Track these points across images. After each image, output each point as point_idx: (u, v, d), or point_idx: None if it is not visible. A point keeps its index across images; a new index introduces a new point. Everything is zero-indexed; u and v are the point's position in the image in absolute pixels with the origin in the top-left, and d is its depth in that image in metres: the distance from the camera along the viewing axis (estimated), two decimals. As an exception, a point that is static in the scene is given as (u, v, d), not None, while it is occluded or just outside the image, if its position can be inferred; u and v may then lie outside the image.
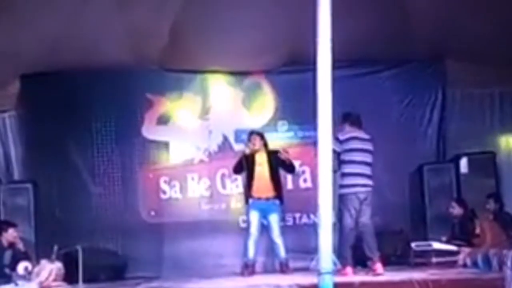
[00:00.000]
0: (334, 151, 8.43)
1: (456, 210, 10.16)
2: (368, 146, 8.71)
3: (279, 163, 9.76)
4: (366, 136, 8.80)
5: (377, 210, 11.11)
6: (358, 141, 8.66)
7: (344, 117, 8.83)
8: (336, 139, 8.50)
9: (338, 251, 8.58)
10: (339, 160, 8.56)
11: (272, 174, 9.67)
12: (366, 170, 8.63)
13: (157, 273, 10.81)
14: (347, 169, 8.59)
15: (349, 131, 8.74)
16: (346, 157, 8.59)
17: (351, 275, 8.37)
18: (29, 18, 9.14)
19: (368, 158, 8.65)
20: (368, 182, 8.62)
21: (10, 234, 9.13)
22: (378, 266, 8.46)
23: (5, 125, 11.47)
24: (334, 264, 7.09)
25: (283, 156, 9.66)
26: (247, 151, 9.75)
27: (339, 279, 6.82)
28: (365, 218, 8.62)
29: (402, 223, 11.03)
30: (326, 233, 5.62)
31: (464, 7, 9.45)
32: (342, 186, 8.57)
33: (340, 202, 8.60)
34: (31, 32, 9.46)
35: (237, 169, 9.99)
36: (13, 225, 9.30)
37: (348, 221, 8.56)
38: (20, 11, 8.93)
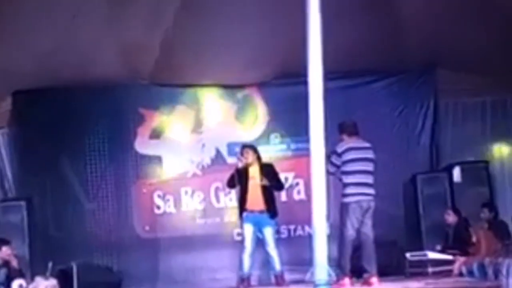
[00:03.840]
0: (334, 165, 8.55)
1: (452, 217, 10.17)
2: (368, 154, 8.66)
3: (271, 177, 9.73)
4: (366, 145, 8.75)
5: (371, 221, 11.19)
6: (357, 151, 8.63)
7: (341, 128, 8.79)
8: (334, 152, 8.54)
9: (338, 261, 8.55)
10: (341, 171, 8.55)
11: (265, 187, 9.65)
12: (368, 179, 8.57)
13: (152, 288, 10.81)
14: (349, 179, 8.55)
15: (347, 142, 8.72)
16: (346, 167, 8.55)
17: (348, 286, 8.34)
18: (21, 34, 9.16)
19: (369, 167, 8.60)
20: (371, 191, 8.56)
21: (4, 252, 9.09)
22: (374, 280, 8.41)
23: (-1, 142, 11.47)
24: (330, 275, 7.06)
25: (262, 182, 9.60)
26: (240, 165, 9.74)
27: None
28: (367, 229, 8.57)
29: (396, 233, 11.02)
30: (321, 245, 5.63)
31: (455, 17, 9.50)
32: (344, 195, 8.54)
33: (343, 211, 8.55)
34: (23, 49, 9.48)
35: (230, 184, 9.98)
36: (6, 242, 9.26)
37: (350, 231, 8.51)
38: (12, 27, 8.95)
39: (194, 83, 11.53)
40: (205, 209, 11.51)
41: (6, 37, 9.05)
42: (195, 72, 11.01)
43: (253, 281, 10.09)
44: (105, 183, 11.40)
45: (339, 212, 8.61)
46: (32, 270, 9.82)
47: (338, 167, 8.57)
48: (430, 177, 11.15)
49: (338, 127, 8.70)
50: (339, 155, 8.57)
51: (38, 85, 10.89)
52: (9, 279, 8.75)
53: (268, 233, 9.54)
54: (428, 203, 10.93)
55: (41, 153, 11.15)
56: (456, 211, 10.26)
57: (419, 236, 10.87)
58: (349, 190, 8.53)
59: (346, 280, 8.43)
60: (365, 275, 8.60)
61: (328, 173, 8.62)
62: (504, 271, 7.38)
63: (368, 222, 8.57)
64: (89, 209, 11.35)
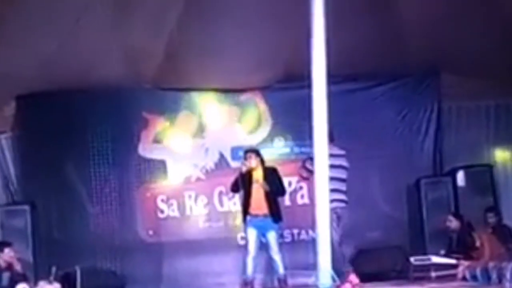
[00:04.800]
0: (309, 170, 8.55)
1: (453, 223, 10.16)
2: (342, 162, 8.68)
3: (275, 181, 9.72)
4: (340, 152, 8.79)
5: (376, 225, 11.20)
6: (331, 158, 8.68)
7: None
8: (309, 158, 8.54)
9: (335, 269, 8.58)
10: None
11: (269, 191, 9.64)
12: (341, 186, 8.60)
13: (156, 293, 10.82)
14: None
15: None
16: None
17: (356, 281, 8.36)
18: (25, 38, 9.17)
19: (342, 174, 8.62)
20: (344, 197, 8.61)
21: (7, 254, 9.08)
22: (353, 277, 8.44)
23: (2, 147, 11.47)
24: (333, 280, 7.06)
25: (262, 187, 9.61)
26: (244, 169, 9.74)
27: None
28: (338, 236, 8.59)
29: (400, 237, 11.03)
30: (324, 249, 5.63)
31: (458, 21, 9.50)
32: None
33: None
34: (27, 53, 9.48)
35: (234, 188, 9.98)
36: (8, 244, 9.26)
37: (334, 236, 8.56)
38: (16, 31, 8.95)
39: (197, 87, 11.54)
40: (209, 213, 11.51)
41: (10, 41, 9.06)
42: (198, 76, 11.01)
43: (257, 285, 10.07)
44: (108, 187, 11.40)
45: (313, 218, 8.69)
46: (36, 274, 9.83)
47: (312, 172, 8.64)
48: (433, 181, 11.15)
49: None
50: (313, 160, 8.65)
51: (41, 89, 10.89)
52: (12, 283, 8.75)
53: (272, 237, 9.53)
54: (431, 207, 10.93)
55: (45, 157, 11.15)
56: (457, 216, 10.25)
57: (423, 240, 10.87)
58: None
59: (353, 277, 8.44)
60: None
61: (302, 178, 8.74)
62: (508, 275, 7.39)
63: (339, 229, 8.59)
64: (93, 213, 11.34)
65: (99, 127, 11.37)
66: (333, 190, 8.49)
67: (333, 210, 8.46)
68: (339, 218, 8.55)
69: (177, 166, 11.65)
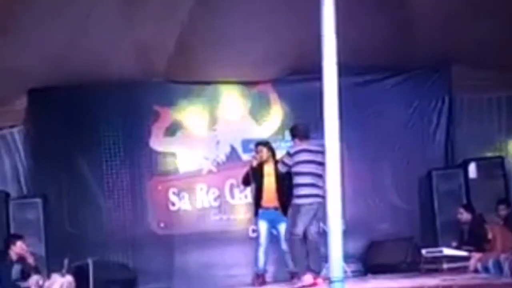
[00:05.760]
0: (286, 164, 8.82)
1: (464, 216, 10.14)
2: (319, 158, 8.68)
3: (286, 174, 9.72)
4: (318, 148, 8.81)
5: (387, 217, 11.20)
6: (308, 153, 8.72)
7: (292, 132, 9.05)
8: (287, 153, 8.85)
9: (295, 263, 8.63)
10: (293, 172, 8.75)
11: (280, 184, 9.64)
12: (318, 181, 8.62)
13: (168, 285, 10.85)
14: (300, 180, 8.68)
15: (299, 144, 8.85)
16: (297, 168, 8.71)
17: (310, 281, 8.45)
18: (35, 33, 9.19)
19: (319, 170, 8.62)
20: (320, 192, 8.61)
21: (19, 247, 9.12)
22: (308, 277, 8.50)
23: (15, 140, 11.48)
24: (345, 272, 7.07)
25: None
26: (255, 162, 9.75)
27: (350, 286, 6.80)
28: (314, 231, 8.69)
29: (411, 229, 11.03)
30: (336, 242, 5.63)
31: (470, 12, 9.47)
32: (297, 197, 8.69)
33: (295, 212, 8.69)
34: (37, 47, 9.51)
35: (245, 182, 10.02)
36: (20, 237, 9.30)
37: (300, 231, 8.60)
38: (27, 27, 8.97)
39: (208, 80, 11.53)
40: (220, 205, 11.52)
41: (21, 36, 9.08)
42: (209, 69, 11.01)
43: (268, 277, 10.11)
44: (120, 180, 11.42)
45: (290, 212, 8.80)
46: (48, 267, 9.86)
47: (289, 167, 8.68)
48: (445, 173, 11.12)
49: (289, 131, 8.88)
50: (291, 155, 8.76)
51: (53, 83, 10.90)
52: (25, 275, 8.79)
53: (283, 230, 9.54)
54: (443, 199, 10.91)
55: (57, 151, 11.18)
56: (468, 208, 10.23)
57: (434, 232, 10.85)
58: (301, 191, 8.67)
59: (308, 277, 8.47)
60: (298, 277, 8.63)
61: (280, 171, 8.84)
62: (520, 267, 7.37)
63: (315, 223, 8.64)
64: (105, 206, 11.37)
65: (110, 120, 11.39)
66: (309, 185, 8.56)
67: (309, 206, 8.52)
68: (315, 213, 8.59)
69: (189, 158, 11.66)
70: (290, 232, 8.76)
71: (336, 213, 5.62)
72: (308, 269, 8.61)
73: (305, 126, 9.07)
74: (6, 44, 9.09)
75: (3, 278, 8.79)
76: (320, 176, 8.57)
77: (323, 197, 8.53)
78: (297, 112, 11.42)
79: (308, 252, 8.69)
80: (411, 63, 11.24)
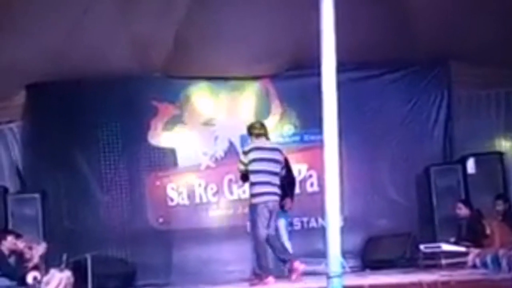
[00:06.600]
0: (242, 163, 8.76)
1: (463, 211, 10.14)
2: (275, 155, 8.68)
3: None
4: (273, 146, 8.86)
5: (385, 213, 11.21)
6: (262, 151, 8.70)
7: (248, 130, 9.01)
8: (243, 152, 8.87)
9: (257, 262, 8.62)
10: (249, 171, 8.70)
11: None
12: (274, 179, 8.61)
13: (166, 280, 10.87)
14: (255, 178, 8.64)
15: (254, 142, 8.84)
16: (252, 167, 8.66)
17: (273, 284, 8.40)
18: (33, 28, 9.17)
19: (274, 167, 8.63)
20: (276, 190, 8.63)
21: (9, 241, 9.09)
22: (271, 280, 8.49)
23: (13, 135, 11.50)
24: (343, 267, 7.04)
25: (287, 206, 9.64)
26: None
27: (348, 282, 6.79)
28: (271, 230, 8.66)
29: (410, 225, 11.03)
30: (334, 237, 5.63)
31: (468, 8, 9.45)
32: (252, 196, 8.65)
33: (252, 212, 8.63)
34: (35, 42, 9.50)
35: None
36: (10, 232, 9.28)
37: (261, 231, 8.55)
38: (24, 22, 8.96)
39: (207, 75, 11.54)
40: (218, 201, 11.54)
41: (19, 30, 9.07)
42: (207, 64, 11.01)
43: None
44: (118, 176, 11.44)
45: (249, 213, 8.77)
46: (47, 262, 9.85)
47: (245, 165, 8.69)
48: (443, 169, 11.12)
49: (246, 129, 8.93)
50: (246, 153, 8.74)
51: (51, 78, 10.92)
52: (21, 270, 8.78)
53: (281, 225, 9.55)
54: (441, 195, 10.91)
55: (55, 146, 11.19)
56: (467, 204, 10.23)
57: (433, 228, 10.86)
58: (256, 189, 8.62)
59: (271, 279, 8.47)
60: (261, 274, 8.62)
61: (239, 171, 8.85)
62: (518, 263, 7.36)
63: (272, 223, 8.65)
64: (103, 201, 11.40)
65: (108, 115, 11.41)
66: (264, 183, 8.54)
67: (264, 204, 8.50)
68: (270, 212, 8.58)
69: (187, 154, 11.66)
70: (252, 235, 8.73)
71: (335, 209, 5.61)
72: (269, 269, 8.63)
73: (260, 124, 9.09)
74: (4, 39, 9.08)
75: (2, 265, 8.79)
76: (276, 174, 8.60)
77: (279, 195, 8.61)
78: (295, 107, 11.44)
79: (273, 248, 8.69)
80: (409, 59, 11.25)
